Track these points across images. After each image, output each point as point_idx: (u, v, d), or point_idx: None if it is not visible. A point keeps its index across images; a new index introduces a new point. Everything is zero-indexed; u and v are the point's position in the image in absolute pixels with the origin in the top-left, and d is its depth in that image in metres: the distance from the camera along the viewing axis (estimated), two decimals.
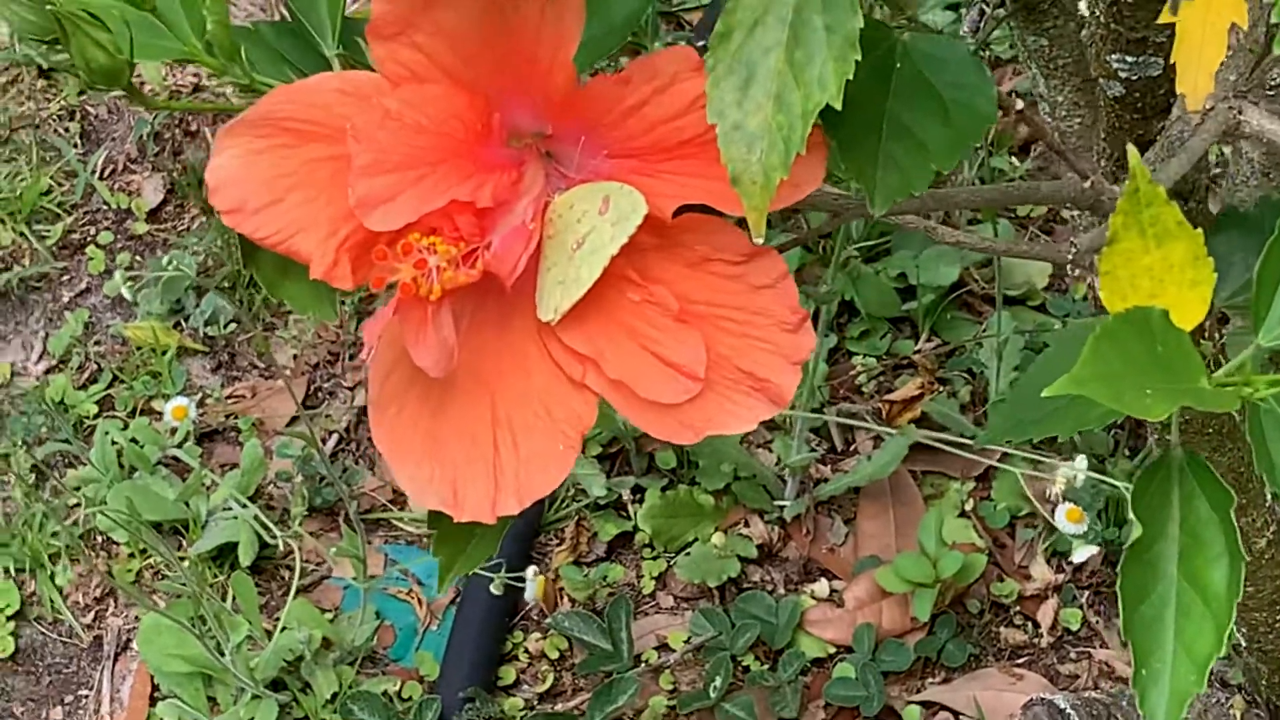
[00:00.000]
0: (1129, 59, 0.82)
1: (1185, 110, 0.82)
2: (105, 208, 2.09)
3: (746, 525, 1.74)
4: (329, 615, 1.71)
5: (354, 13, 0.72)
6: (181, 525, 1.77)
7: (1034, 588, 1.67)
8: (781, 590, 1.71)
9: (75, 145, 2.14)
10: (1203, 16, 0.65)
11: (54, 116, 2.18)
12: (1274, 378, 0.62)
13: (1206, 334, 0.97)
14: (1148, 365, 0.58)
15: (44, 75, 2.22)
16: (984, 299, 1.88)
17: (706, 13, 2.05)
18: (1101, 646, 1.64)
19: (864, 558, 1.71)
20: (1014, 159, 1.97)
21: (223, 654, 1.57)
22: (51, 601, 1.76)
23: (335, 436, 1.88)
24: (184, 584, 1.61)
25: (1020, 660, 1.65)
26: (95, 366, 1.95)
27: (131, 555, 1.76)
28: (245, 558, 1.70)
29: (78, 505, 1.80)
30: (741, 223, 0.62)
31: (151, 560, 1.76)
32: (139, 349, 1.94)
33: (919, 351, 1.85)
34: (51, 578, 1.76)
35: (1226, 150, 1.37)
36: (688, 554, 1.71)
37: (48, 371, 1.96)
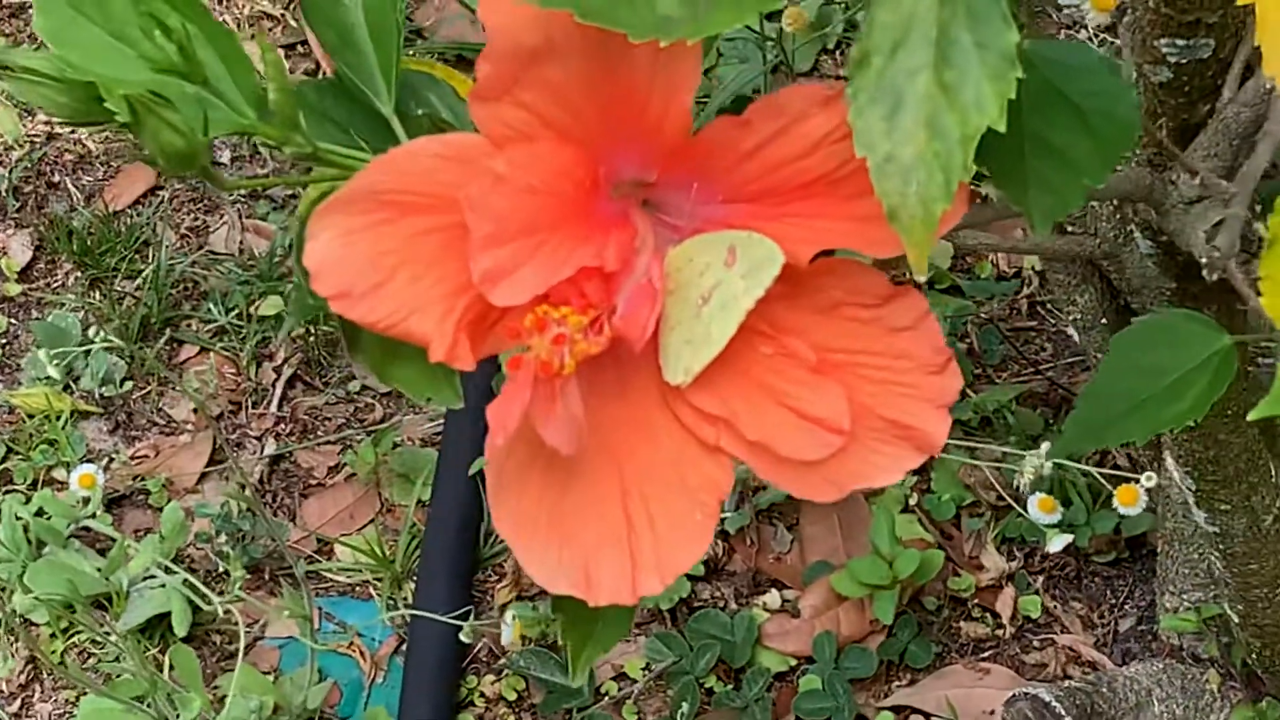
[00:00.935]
0: (1179, 42, 0.80)
1: (1235, 92, 0.81)
2: None
3: None
4: (270, 677, 1.64)
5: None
6: (105, 599, 1.68)
7: (988, 578, 1.66)
8: (734, 605, 1.68)
9: None
10: None
11: None
12: None
13: None
14: None
15: None
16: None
17: None
18: (1064, 632, 1.63)
19: (813, 563, 1.69)
20: None
21: None
22: None
23: (247, 490, 1.81)
24: (115, 660, 1.53)
25: (984, 654, 1.63)
26: None
27: (54, 635, 1.67)
28: (180, 628, 1.62)
29: None
30: (879, 263, 0.59)
31: (75, 639, 1.67)
32: (30, 416, 1.85)
33: None
34: None
35: None
36: None
37: None
